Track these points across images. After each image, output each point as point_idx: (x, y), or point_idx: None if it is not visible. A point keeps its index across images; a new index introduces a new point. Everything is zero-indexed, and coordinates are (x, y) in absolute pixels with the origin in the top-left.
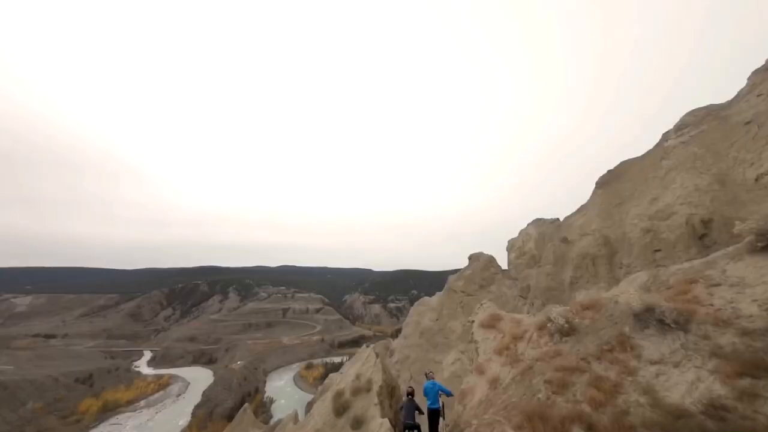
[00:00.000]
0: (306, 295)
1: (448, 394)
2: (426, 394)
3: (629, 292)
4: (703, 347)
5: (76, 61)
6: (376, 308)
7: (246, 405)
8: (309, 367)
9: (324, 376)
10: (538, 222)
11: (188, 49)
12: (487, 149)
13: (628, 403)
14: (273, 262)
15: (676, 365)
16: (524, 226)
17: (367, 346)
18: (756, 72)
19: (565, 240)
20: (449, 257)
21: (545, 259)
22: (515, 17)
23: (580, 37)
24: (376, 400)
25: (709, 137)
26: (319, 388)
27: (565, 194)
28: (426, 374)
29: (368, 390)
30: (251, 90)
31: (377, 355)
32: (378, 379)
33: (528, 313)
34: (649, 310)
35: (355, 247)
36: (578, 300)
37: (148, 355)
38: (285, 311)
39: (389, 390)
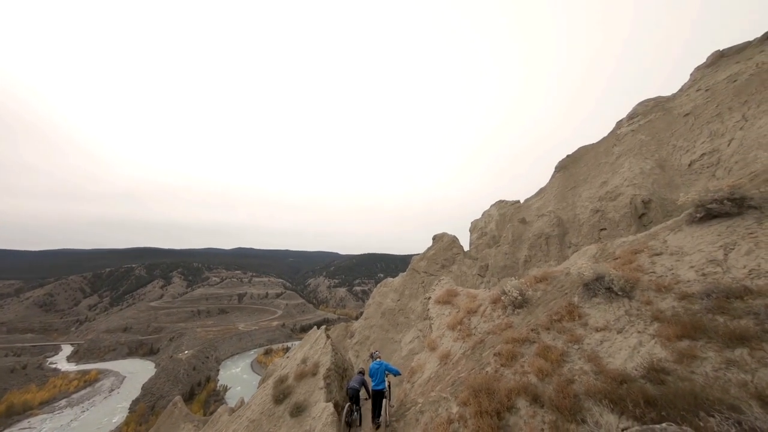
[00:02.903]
0: (265, 279)
1: (396, 374)
2: (372, 375)
3: (580, 264)
4: (645, 312)
5: None
6: (342, 292)
7: (177, 398)
8: (268, 352)
9: None
10: (500, 204)
11: None
12: (467, 136)
13: (573, 372)
14: (226, 245)
15: (620, 331)
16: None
17: (318, 328)
18: (698, 68)
19: (523, 221)
20: (419, 242)
21: (504, 238)
22: (499, 3)
23: (573, 26)
24: (321, 384)
25: (654, 126)
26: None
27: (539, 183)
28: (371, 355)
29: (314, 374)
30: (204, 47)
31: (328, 337)
32: (326, 362)
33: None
34: (599, 278)
35: (320, 230)
36: (532, 274)
37: (67, 349)
38: (241, 296)
39: (341, 372)
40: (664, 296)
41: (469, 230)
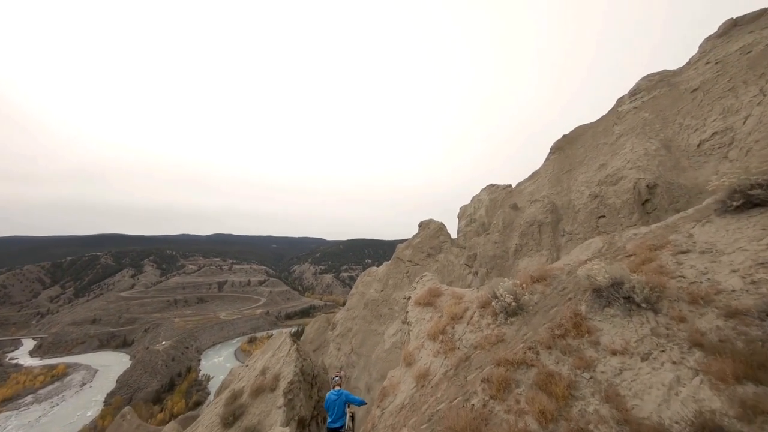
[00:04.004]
0: (246, 266)
1: (360, 404)
2: (328, 407)
3: (586, 261)
4: (678, 333)
5: None
6: (328, 278)
7: (126, 409)
8: (252, 340)
9: None
10: (490, 188)
11: None
12: (455, 119)
13: (586, 417)
14: (203, 230)
15: (646, 358)
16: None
17: (283, 332)
18: (708, 39)
19: (514, 207)
20: (407, 227)
21: (494, 226)
22: None
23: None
24: (281, 401)
25: (659, 103)
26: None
27: (534, 166)
28: (332, 379)
29: (273, 389)
30: (182, 16)
31: (294, 342)
32: (288, 374)
33: (471, 282)
34: (617, 284)
35: (305, 215)
36: (527, 271)
37: (29, 343)
38: (221, 285)
39: (310, 380)
40: (703, 311)
41: (458, 216)
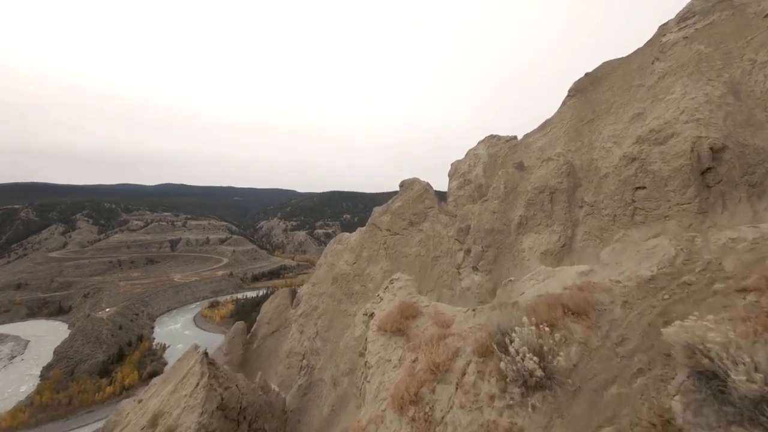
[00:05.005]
0: (204, 222)
1: None
2: None
3: (650, 279)
4: None
5: None
6: (301, 235)
7: None
8: (214, 305)
9: (234, 313)
10: (490, 140)
11: None
12: (450, 54)
13: None
14: (148, 180)
15: None
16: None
17: (198, 348)
18: None
19: (520, 166)
20: (392, 178)
21: (494, 190)
22: None
23: None
24: None
25: (720, 31)
26: None
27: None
28: None
29: None
30: None
31: (210, 369)
32: (190, 426)
33: (462, 263)
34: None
35: (273, 163)
36: (556, 293)
37: None
38: (174, 243)
39: (235, 416)
40: None
41: (448, 175)
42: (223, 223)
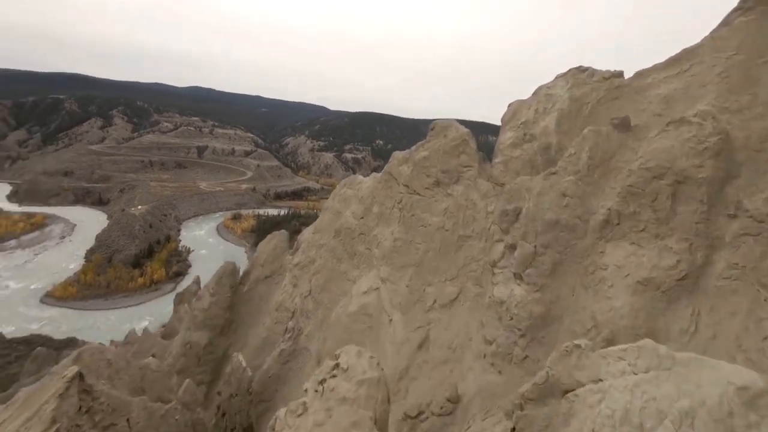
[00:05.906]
0: (231, 131)
1: None
2: None
3: None
4: None
5: None
6: (328, 157)
7: None
8: (236, 217)
9: (255, 229)
10: (577, 75)
11: None
12: None
13: None
14: (179, 81)
15: None
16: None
17: (70, 370)
18: None
19: (623, 124)
20: (434, 102)
21: (570, 159)
22: None
23: None
24: None
25: None
26: None
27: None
28: None
29: None
30: None
31: (78, 378)
32: None
33: (501, 260)
34: None
35: (304, 74)
36: None
37: (4, 188)
38: (201, 150)
39: None
40: None
41: (502, 121)
42: (249, 134)
